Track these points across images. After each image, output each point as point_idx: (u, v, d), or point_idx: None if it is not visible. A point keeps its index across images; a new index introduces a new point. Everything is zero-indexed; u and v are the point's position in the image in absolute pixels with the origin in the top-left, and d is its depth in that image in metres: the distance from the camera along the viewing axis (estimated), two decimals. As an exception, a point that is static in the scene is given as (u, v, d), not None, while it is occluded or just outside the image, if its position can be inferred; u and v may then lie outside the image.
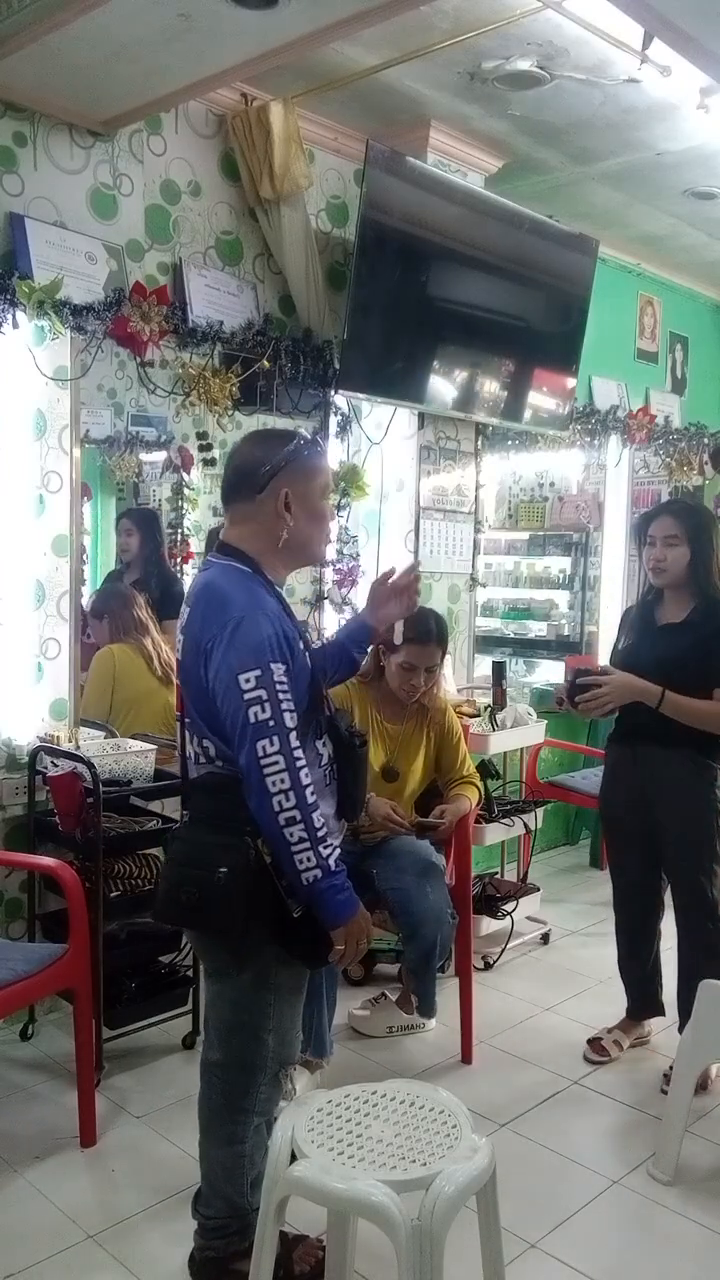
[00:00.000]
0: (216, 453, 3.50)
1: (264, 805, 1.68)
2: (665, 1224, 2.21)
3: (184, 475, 3.55)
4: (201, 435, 3.45)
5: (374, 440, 3.80)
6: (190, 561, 3.61)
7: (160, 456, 3.61)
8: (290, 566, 1.93)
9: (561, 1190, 2.32)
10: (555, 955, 3.71)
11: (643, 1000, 2.96)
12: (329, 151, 3.70)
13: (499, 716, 3.61)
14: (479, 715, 3.63)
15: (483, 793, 3.21)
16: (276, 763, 1.66)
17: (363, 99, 3.40)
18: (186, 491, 3.58)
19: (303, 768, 1.69)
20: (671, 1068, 2.52)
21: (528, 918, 3.73)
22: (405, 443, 3.92)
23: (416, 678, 2.82)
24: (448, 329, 3.71)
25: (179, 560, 3.62)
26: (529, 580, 5.56)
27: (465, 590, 4.21)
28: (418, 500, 3.97)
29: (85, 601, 3.27)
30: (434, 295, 3.59)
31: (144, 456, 3.61)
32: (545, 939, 3.82)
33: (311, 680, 1.82)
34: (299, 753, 1.69)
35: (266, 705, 1.66)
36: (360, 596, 3.82)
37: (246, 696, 1.67)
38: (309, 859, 1.69)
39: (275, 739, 1.66)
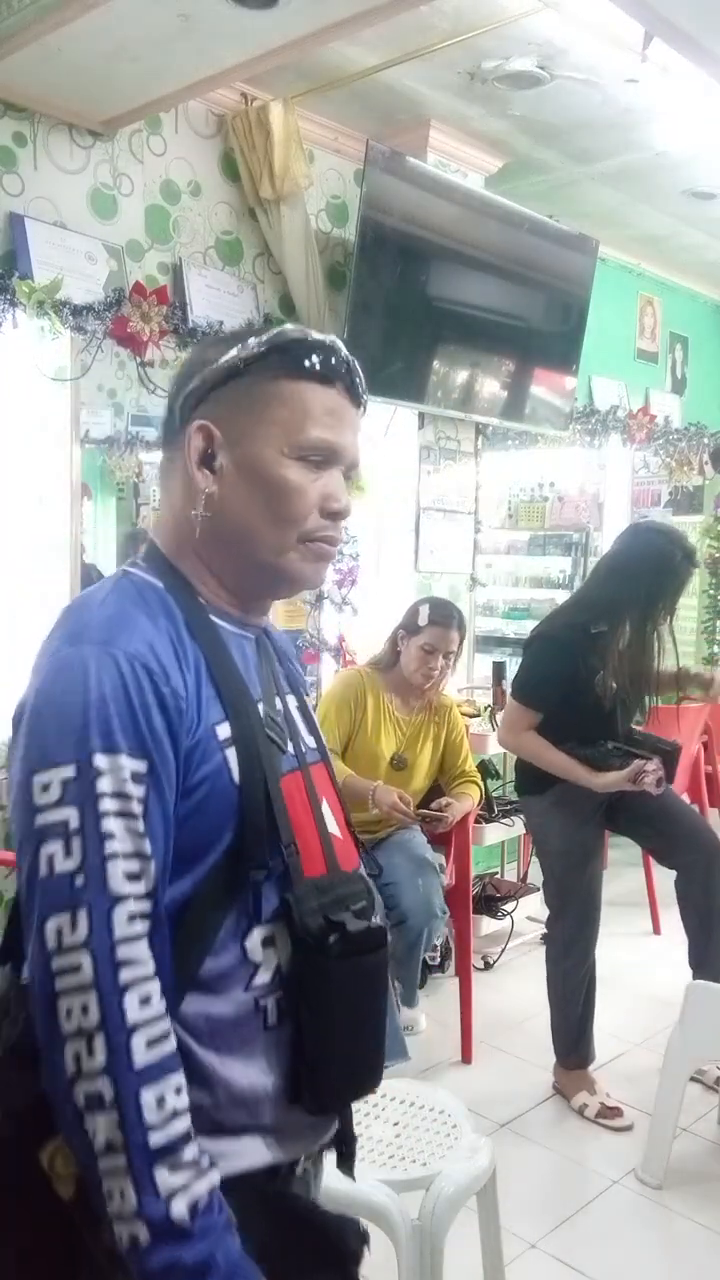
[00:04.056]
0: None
1: (50, 1056, 0.82)
2: (665, 1224, 2.21)
3: (184, 475, 3.54)
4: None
5: (374, 440, 3.80)
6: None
7: (160, 456, 3.60)
8: (246, 583, 1.01)
9: (561, 1190, 2.32)
10: (555, 955, 3.71)
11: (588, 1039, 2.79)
12: (329, 151, 3.70)
13: (499, 716, 3.61)
14: (479, 715, 3.64)
15: (484, 792, 3.22)
16: (78, 968, 0.81)
17: (363, 99, 3.40)
18: (187, 491, 3.57)
19: (132, 986, 0.82)
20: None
21: (528, 918, 3.73)
22: (405, 443, 3.92)
23: (435, 660, 2.86)
24: (448, 329, 3.70)
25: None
26: (529, 580, 5.56)
27: (465, 590, 4.21)
28: (418, 500, 3.97)
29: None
30: (434, 295, 3.59)
31: (144, 456, 3.61)
32: (545, 939, 3.81)
33: (246, 803, 0.92)
34: (133, 948, 0.82)
35: (75, 843, 0.82)
36: (360, 597, 3.82)
37: (39, 820, 0.83)
38: (116, 1195, 0.79)
39: (83, 916, 0.81)
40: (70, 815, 0.83)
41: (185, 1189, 0.80)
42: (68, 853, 0.82)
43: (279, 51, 2.59)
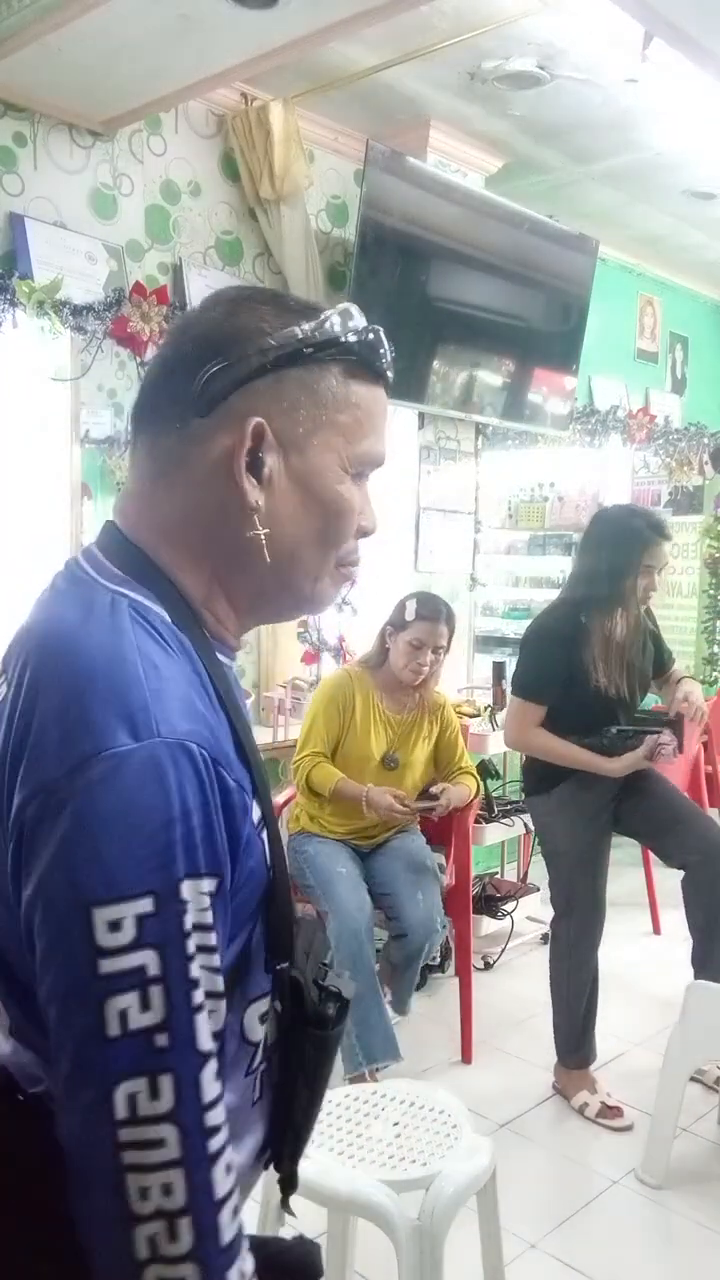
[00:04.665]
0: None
1: (111, 1239, 0.67)
2: (665, 1224, 2.21)
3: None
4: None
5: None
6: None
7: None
8: (261, 609, 0.88)
9: (561, 1190, 2.32)
10: (555, 955, 3.71)
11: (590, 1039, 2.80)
12: (329, 151, 3.70)
13: (499, 716, 3.61)
14: (479, 715, 3.64)
15: (483, 790, 3.22)
16: (161, 1142, 0.66)
17: (363, 99, 3.40)
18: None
19: (220, 1155, 0.68)
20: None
21: (528, 918, 3.73)
22: (405, 443, 3.92)
23: (424, 656, 2.83)
24: (448, 329, 3.71)
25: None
26: (529, 580, 5.56)
27: (465, 590, 4.21)
28: (418, 500, 3.97)
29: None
30: (434, 295, 3.59)
31: (144, 456, 3.61)
32: (545, 939, 3.81)
33: (270, 882, 0.80)
34: (217, 1114, 0.69)
35: (154, 994, 0.66)
36: (360, 597, 3.81)
37: (105, 966, 0.66)
38: None
39: (167, 1082, 0.66)
40: (149, 960, 0.66)
41: None
42: (145, 1006, 0.65)
43: (279, 51, 2.59)
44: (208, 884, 0.69)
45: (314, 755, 2.79)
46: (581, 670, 2.59)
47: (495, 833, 3.51)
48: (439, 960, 3.34)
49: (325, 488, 0.82)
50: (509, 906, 3.62)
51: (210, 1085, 0.68)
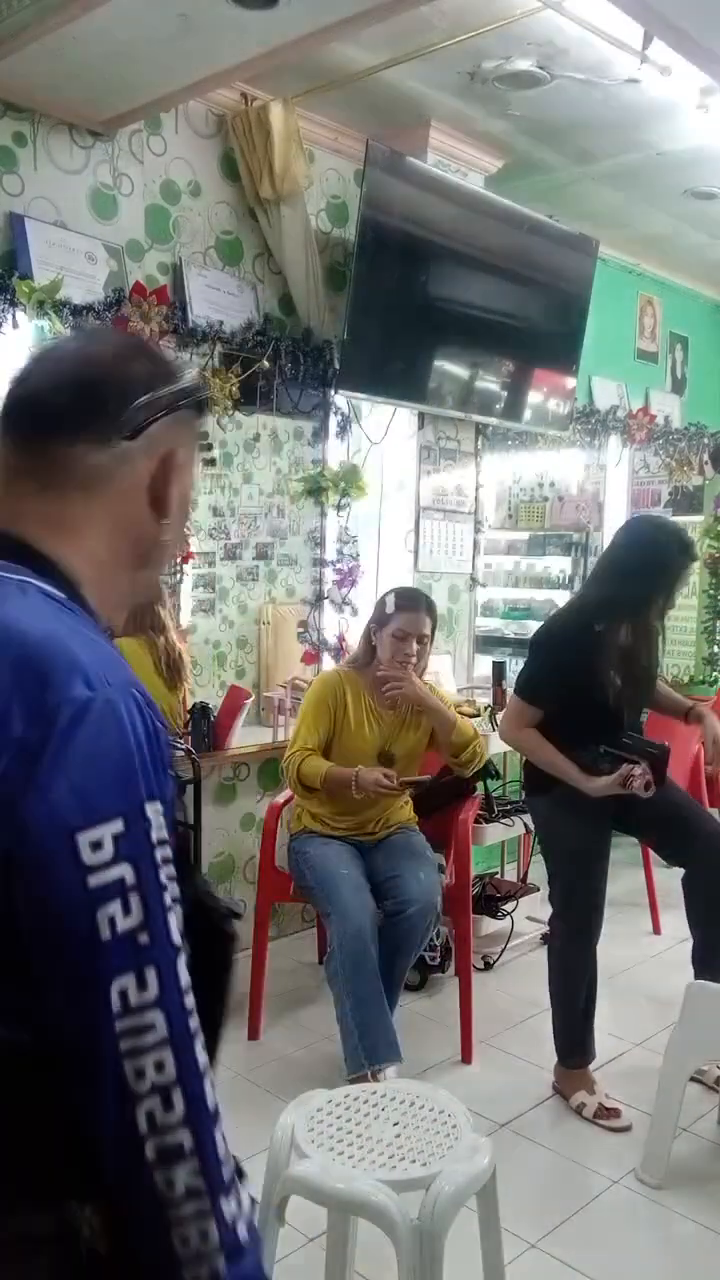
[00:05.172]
0: (217, 453, 3.50)
1: (116, 1120, 0.77)
2: (665, 1224, 2.21)
3: (184, 475, 3.54)
4: (201, 435, 3.44)
5: (374, 440, 3.80)
6: (190, 562, 3.61)
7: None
8: (129, 601, 1.02)
9: (561, 1190, 2.32)
10: (555, 955, 3.71)
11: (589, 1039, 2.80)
12: (329, 151, 3.70)
13: (499, 716, 3.61)
14: (479, 715, 3.63)
15: (484, 791, 3.23)
16: (152, 1026, 0.77)
17: (363, 99, 3.40)
18: (187, 491, 3.57)
19: (198, 1033, 0.81)
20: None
21: (528, 918, 3.73)
22: (405, 443, 3.92)
23: (409, 646, 2.87)
24: (448, 329, 3.71)
25: (178, 561, 3.61)
26: (529, 580, 5.56)
27: (465, 590, 4.21)
28: (418, 500, 3.97)
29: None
30: (434, 295, 3.60)
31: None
32: (545, 939, 3.81)
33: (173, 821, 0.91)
34: (191, 999, 0.80)
35: (134, 900, 0.78)
36: (360, 597, 3.82)
37: (93, 881, 0.77)
38: (196, 1237, 0.79)
39: (152, 974, 0.78)
40: (125, 872, 0.78)
41: (241, 1210, 0.82)
42: (127, 911, 0.78)
43: (279, 51, 2.59)
44: (160, 805, 0.81)
45: (303, 750, 2.82)
46: (589, 680, 2.58)
47: (495, 833, 3.51)
48: (439, 960, 3.34)
49: (187, 504, 1.01)
50: (509, 906, 3.62)
51: (184, 973, 0.80)
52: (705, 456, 5.23)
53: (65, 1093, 0.78)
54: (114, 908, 0.77)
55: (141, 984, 0.77)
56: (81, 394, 0.93)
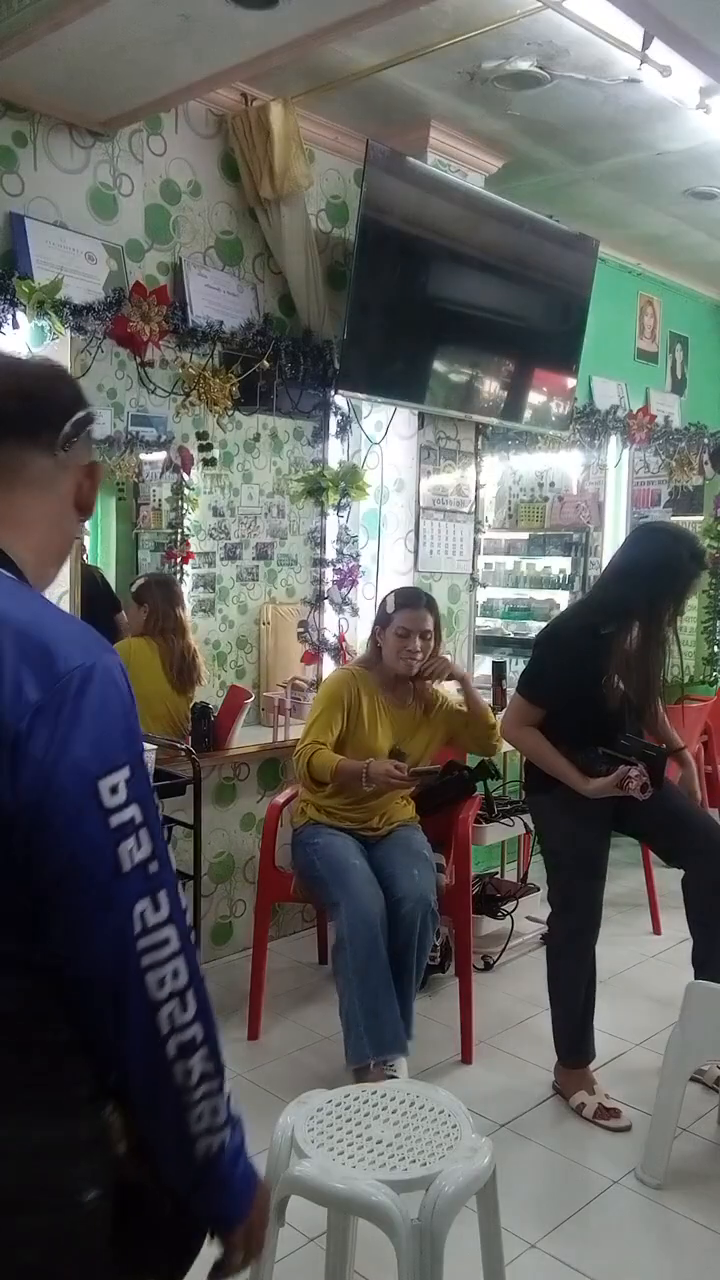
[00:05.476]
0: (216, 453, 3.50)
1: (143, 1026, 0.91)
2: (665, 1224, 2.21)
3: (184, 475, 3.55)
4: (201, 435, 3.46)
5: (374, 440, 3.80)
6: (190, 562, 3.61)
7: (160, 456, 3.61)
8: (44, 588, 1.10)
9: (561, 1190, 2.32)
10: (555, 955, 3.71)
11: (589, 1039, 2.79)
12: (329, 151, 3.70)
13: (499, 716, 3.61)
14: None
15: (485, 791, 3.23)
16: (167, 941, 0.91)
17: (363, 99, 3.40)
18: (186, 492, 3.58)
19: (194, 943, 0.97)
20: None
21: (528, 918, 3.73)
22: (405, 443, 3.92)
23: (413, 642, 2.90)
24: (448, 329, 3.70)
25: (179, 561, 3.61)
26: (529, 580, 5.56)
27: (465, 590, 4.21)
28: (418, 500, 3.97)
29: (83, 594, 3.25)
30: (434, 295, 3.59)
31: (144, 456, 3.61)
32: (545, 939, 3.81)
33: None
34: (188, 915, 0.97)
35: (143, 834, 0.91)
36: (360, 596, 3.82)
37: (114, 820, 0.90)
38: (208, 1114, 0.95)
39: (163, 896, 0.92)
40: (135, 812, 0.91)
41: (229, 1087, 0.99)
42: (138, 844, 0.91)
43: (279, 51, 2.59)
44: (147, 756, 0.99)
45: (314, 743, 2.83)
46: (592, 684, 2.58)
47: (495, 833, 3.51)
48: (439, 960, 3.34)
49: (90, 512, 1.14)
50: (509, 906, 3.62)
51: (181, 895, 0.95)
52: (705, 456, 5.23)
53: (93, 1012, 0.91)
54: (130, 843, 0.90)
55: (155, 905, 0.91)
56: (32, 404, 1.05)
